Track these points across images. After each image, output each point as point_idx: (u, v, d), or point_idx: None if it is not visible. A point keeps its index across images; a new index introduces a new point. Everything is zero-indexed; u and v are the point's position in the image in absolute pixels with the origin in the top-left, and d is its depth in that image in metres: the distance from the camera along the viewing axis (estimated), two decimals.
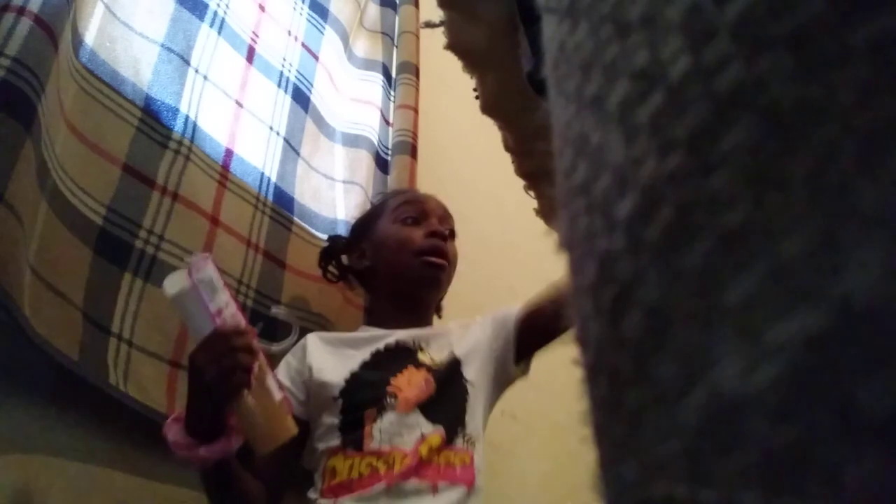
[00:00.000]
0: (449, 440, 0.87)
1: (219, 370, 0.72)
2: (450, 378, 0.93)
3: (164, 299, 0.93)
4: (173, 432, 0.75)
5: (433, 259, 1.01)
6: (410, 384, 0.91)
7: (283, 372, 0.97)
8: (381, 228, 1.07)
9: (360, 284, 1.16)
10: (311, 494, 0.88)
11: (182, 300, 0.74)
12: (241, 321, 0.76)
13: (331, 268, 1.16)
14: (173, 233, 0.97)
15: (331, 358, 0.96)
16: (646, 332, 0.13)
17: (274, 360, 0.98)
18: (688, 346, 0.12)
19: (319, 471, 0.89)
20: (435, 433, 0.87)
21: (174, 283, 0.74)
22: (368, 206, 1.34)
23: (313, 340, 1.00)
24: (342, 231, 1.29)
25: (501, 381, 1.00)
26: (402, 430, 0.86)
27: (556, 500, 1.24)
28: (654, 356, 0.13)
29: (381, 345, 0.97)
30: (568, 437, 1.03)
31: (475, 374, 0.95)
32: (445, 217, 1.09)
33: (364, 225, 1.13)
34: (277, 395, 0.75)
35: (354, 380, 0.92)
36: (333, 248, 1.16)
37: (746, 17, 0.12)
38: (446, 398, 0.91)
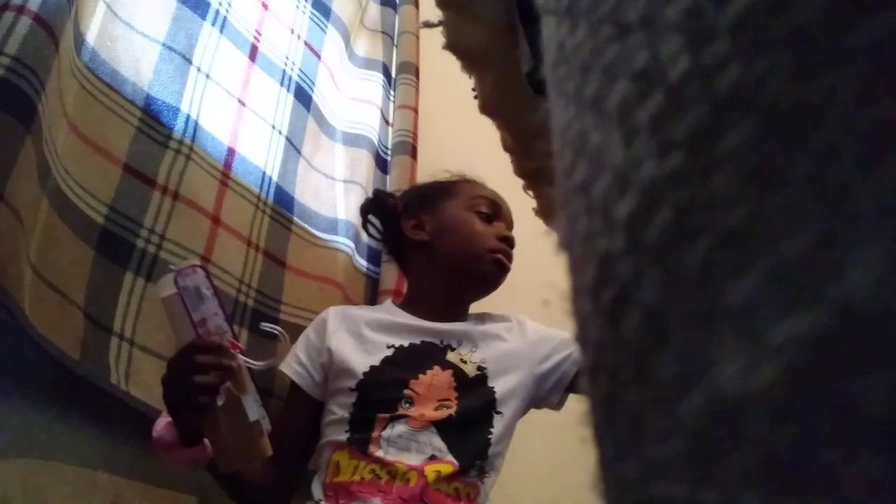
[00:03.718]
0: (463, 471, 0.84)
1: (180, 388, 0.71)
2: (479, 407, 0.89)
3: None
4: (161, 427, 0.75)
5: (504, 259, 0.99)
6: (431, 387, 0.88)
7: (302, 348, 0.95)
8: (453, 210, 1.02)
9: (397, 257, 1.11)
10: (314, 484, 0.87)
11: (167, 305, 0.74)
12: (227, 333, 0.74)
13: (372, 222, 1.12)
14: (174, 232, 0.97)
15: (353, 342, 0.94)
16: (646, 333, 0.13)
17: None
18: (688, 346, 0.12)
19: (323, 462, 0.88)
20: (448, 463, 0.84)
21: (163, 287, 0.74)
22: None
23: (335, 319, 0.97)
24: (344, 229, 1.29)
25: (532, 405, 0.97)
26: (410, 446, 0.84)
27: (556, 500, 1.24)
28: (654, 356, 0.13)
29: (405, 341, 0.94)
30: (568, 437, 1.02)
31: (510, 405, 0.91)
32: (511, 227, 1.06)
33: (428, 196, 1.07)
34: (253, 416, 0.73)
35: (374, 374, 0.89)
36: (384, 204, 1.11)
37: (746, 18, 0.12)
38: (470, 430, 0.87)
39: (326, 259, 1.24)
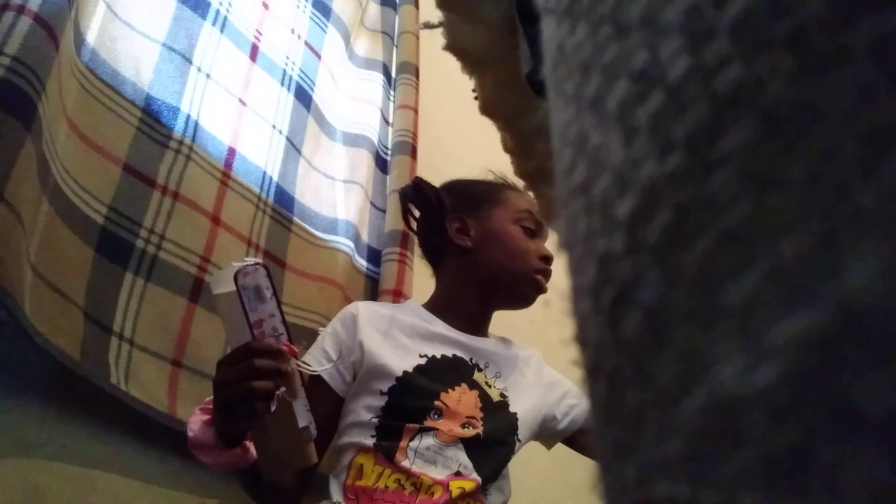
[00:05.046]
0: (480, 489, 0.85)
1: (237, 392, 0.67)
2: (503, 431, 0.90)
3: (165, 298, 0.94)
4: (197, 428, 0.71)
5: (543, 282, 0.99)
6: (460, 404, 0.88)
7: (330, 343, 0.93)
8: (501, 221, 1.01)
9: (431, 254, 1.09)
10: (332, 484, 0.86)
11: (223, 303, 0.70)
12: (283, 336, 0.71)
13: (412, 212, 1.10)
14: (174, 232, 0.97)
15: (385, 343, 0.92)
16: (646, 333, 0.13)
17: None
18: (688, 347, 0.12)
19: (344, 462, 0.87)
20: (472, 480, 0.84)
21: (220, 283, 0.70)
22: (368, 202, 1.31)
23: (365, 316, 0.95)
24: (344, 229, 1.29)
25: (537, 438, 1.00)
26: (436, 459, 0.84)
27: (556, 500, 1.24)
28: (654, 356, 0.13)
29: (437, 352, 0.93)
30: None
31: (525, 434, 0.93)
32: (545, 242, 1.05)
33: (475, 199, 1.05)
34: (302, 422, 0.71)
35: (406, 381, 0.88)
36: (426, 195, 1.07)
37: (746, 18, 0.12)
38: (493, 451, 0.88)
39: (326, 259, 1.24)
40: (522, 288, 0.99)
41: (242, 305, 0.69)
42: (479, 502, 0.86)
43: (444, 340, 0.95)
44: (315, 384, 0.91)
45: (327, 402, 0.91)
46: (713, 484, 0.11)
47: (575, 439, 1.00)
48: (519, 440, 0.92)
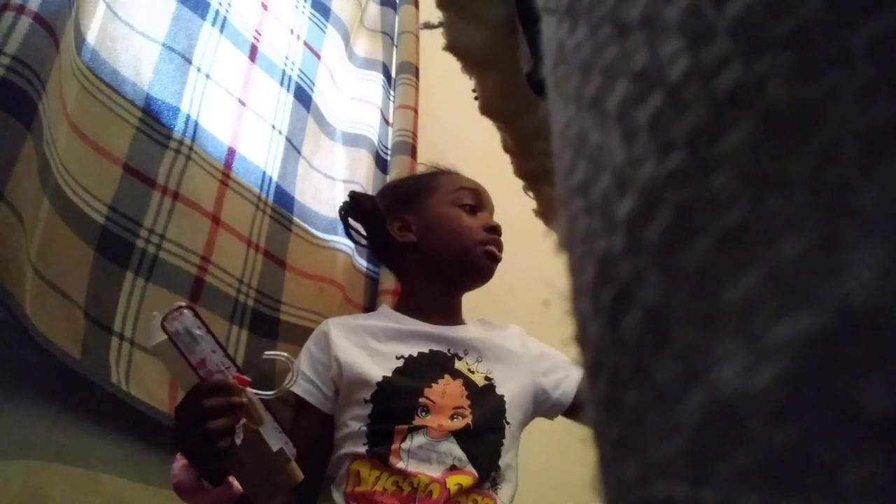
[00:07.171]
0: (479, 483, 0.85)
1: (197, 436, 0.68)
2: (491, 416, 0.90)
3: (165, 298, 0.94)
4: (179, 471, 0.71)
5: (494, 251, 1.00)
6: (445, 396, 0.88)
7: (307, 364, 0.94)
8: (436, 207, 1.02)
9: (385, 259, 1.10)
10: (335, 494, 0.87)
11: (161, 353, 0.70)
12: (230, 369, 0.71)
13: (354, 227, 1.11)
14: (174, 232, 0.97)
15: (360, 352, 0.93)
16: (646, 333, 0.13)
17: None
18: (688, 347, 0.12)
19: (342, 472, 0.87)
20: (468, 474, 0.84)
21: (151, 335, 0.70)
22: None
23: (337, 331, 0.96)
24: (342, 229, 1.29)
25: (535, 415, 1.00)
26: (430, 456, 0.84)
27: (556, 500, 1.24)
28: (654, 356, 0.13)
29: (413, 350, 0.94)
30: (568, 437, 1.03)
31: (515, 416, 0.93)
32: (493, 211, 1.06)
33: (409, 195, 1.07)
34: (276, 445, 0.71)
35: (387, 385, 0.89)
36: (362, 206, 1.10)
37: (745, 18, 0.12)
38: (485, 440, 0.88)
39: (326, 259, 1.24)
40: (475, 263, 1.00)
41: (179, 351, 0.69)
42: (485, 496, 0.85)
43: (418, 337, 0.96)
44: (300, 407, 0.93)
45: (316, 421, 0.92)
46: (713, 484, 0.11)
47: (573, 412, 1.00)
48: (508, 423, 0.91)
